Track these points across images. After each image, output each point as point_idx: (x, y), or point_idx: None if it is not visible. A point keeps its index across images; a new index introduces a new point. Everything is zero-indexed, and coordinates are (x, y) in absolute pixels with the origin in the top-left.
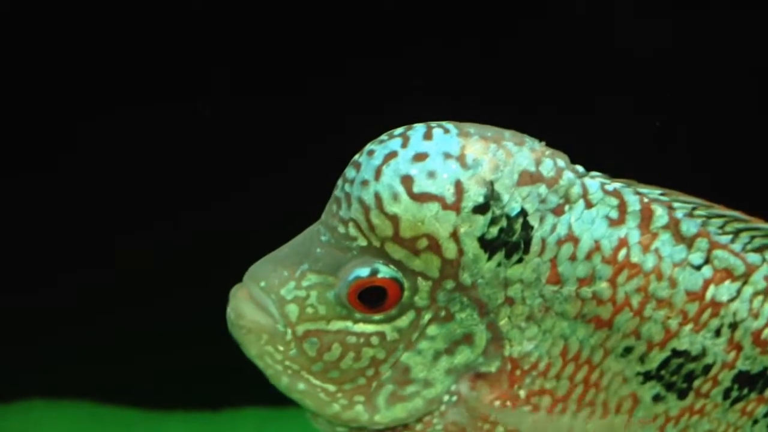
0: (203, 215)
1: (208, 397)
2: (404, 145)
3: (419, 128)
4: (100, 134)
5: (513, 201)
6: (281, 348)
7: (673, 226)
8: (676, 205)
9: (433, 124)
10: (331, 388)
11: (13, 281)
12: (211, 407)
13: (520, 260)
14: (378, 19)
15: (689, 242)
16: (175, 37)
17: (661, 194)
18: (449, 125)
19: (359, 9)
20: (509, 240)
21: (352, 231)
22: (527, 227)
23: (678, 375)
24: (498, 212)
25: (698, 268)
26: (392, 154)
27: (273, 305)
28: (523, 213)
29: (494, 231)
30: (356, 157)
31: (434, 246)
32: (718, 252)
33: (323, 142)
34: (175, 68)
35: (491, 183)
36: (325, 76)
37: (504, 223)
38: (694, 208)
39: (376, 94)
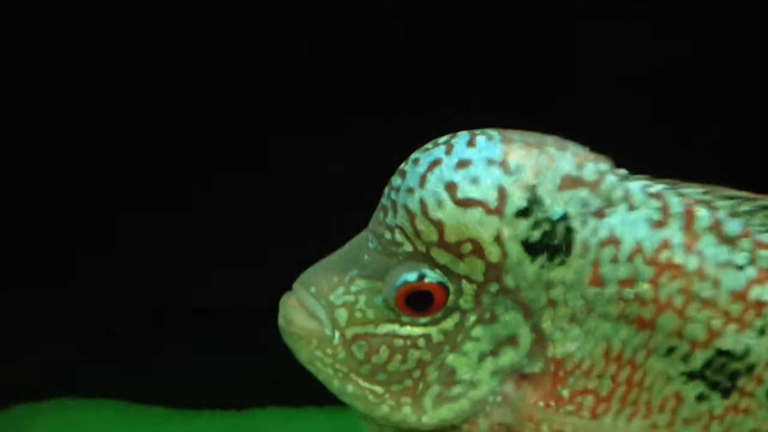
0: (236, 218)
1: (232, 397)
2: (448, 152)
3: (463, 136)
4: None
5: (555, 205)
6: (330, 352)
7: (716, 227)
8: (718, 204)
9: (477, 131)
10: (379, 390)
11: (42, 280)
12: (236, 407)
13: (562, 263)
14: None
15: (733, 243)
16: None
17: (704, 192)
18: (493, 132)
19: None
20: (552, 243)
21: (399, 237)
22: (569, 230)
23: (722, 374)
24: (541, 216)
25: (742, 268)
26: (436, 162)
27: (323, 310)
28: (565, 216)
29: (537, 234)
30: (402, 165)
31: (478, 250)
32: (762, 252)
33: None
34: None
35: (534, 188)
36: (357, 76)
37: (547, 226)
38: (737, 205)
39: (407, 100)
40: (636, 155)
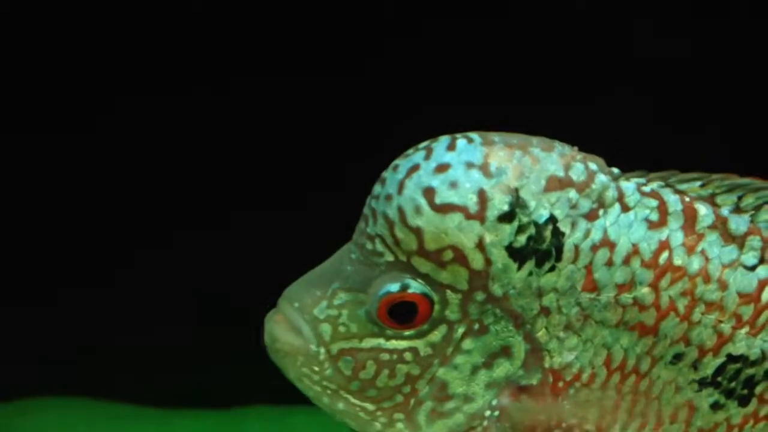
0: (229, 228)
1: (218, 395)
2: (427, 157)
3: (443, 140)
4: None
5: (541, 207)
6: (317, 368)
7: (720, 225)
8: (719, 200)
9: (458, 135)
10: (370, 406)
11: (30, 282)
12: (222, 405)
13: (552, 268)
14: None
15: (740, 242)
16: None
17: (702, 185)
18: (474, 135)
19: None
20: (539, 248)
21: (379, 246)
22: (558, 234)
23: (737, 381)
24: (525, 220)
25: (752, 268)
26: (415, 167)
27: (307, 326)
28: (552, 219)
29: (522, 239)
30: (383, 173)
31: (460, 257)
32: None
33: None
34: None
35: (516, 190)
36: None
37: (532, 230)
38: (740, 197)
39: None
40: (636, 154)
